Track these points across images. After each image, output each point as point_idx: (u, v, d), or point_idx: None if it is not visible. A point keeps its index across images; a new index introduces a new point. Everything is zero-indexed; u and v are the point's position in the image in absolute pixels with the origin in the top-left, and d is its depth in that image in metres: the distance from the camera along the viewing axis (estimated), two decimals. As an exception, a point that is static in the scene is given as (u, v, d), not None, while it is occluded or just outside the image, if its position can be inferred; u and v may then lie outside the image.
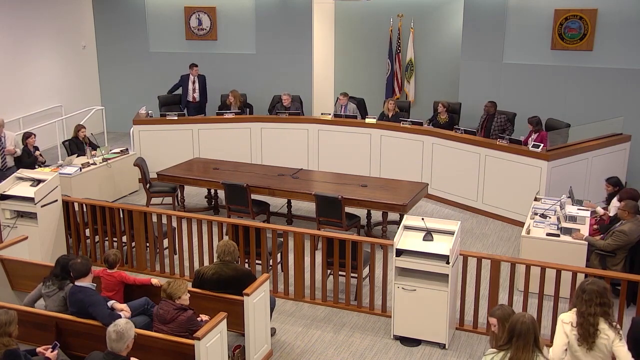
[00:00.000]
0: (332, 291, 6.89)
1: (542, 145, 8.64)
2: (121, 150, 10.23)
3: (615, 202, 7.40)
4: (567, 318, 4.26)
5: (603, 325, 4.13)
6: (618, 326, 4.19)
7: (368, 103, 11.98)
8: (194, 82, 12.08)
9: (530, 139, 9.37)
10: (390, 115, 10.64)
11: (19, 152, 9.21)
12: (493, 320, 4.31)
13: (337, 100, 11.31)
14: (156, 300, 5.46)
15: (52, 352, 4.70)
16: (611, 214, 7.37)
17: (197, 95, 12.09)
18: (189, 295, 5.18)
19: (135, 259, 7.61)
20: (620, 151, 9.24)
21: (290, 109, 11.13)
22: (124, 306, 5.42)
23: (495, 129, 10.07)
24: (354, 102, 11.58)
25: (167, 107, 11.73)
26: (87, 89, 13.79)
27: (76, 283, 5.28)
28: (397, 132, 10.05)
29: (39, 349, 4.77)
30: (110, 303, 5.37)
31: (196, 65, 12.10)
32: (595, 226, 7.30)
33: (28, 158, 9.21)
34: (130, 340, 4.36)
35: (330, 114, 10.81)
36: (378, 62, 12.99)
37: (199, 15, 12.96)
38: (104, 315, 5.05)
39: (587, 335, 4.12)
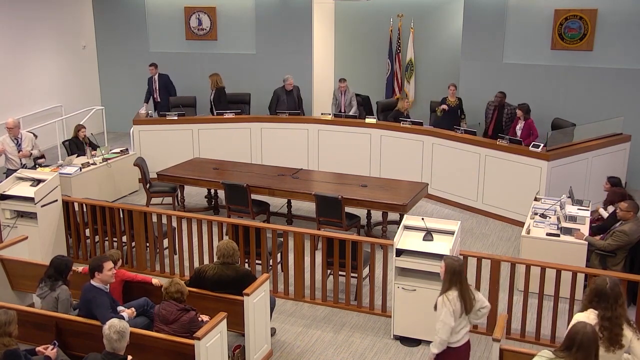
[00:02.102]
0: (332, 291, 6.89)
1: (542, 145, 8.65)
2: (121, 150, 10.23)
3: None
4: (582, 318, 4.15)
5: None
6: (634, 324, 4.15)
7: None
8: (155, 82, 11.96)
9: (517, 127, 9.41)
10: (406, 114, 10.70)
11: (35, 152, 9.07)
12: (442, 265, 4.66)
13: (337, 88, 11.31)
14: (156, 301, 5.46)
15: (52, 350, 4.70)
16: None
17: (157, 95, 11.95)
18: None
19: (135, 259, 7.61)
20: (620, 151, 9.25)
21: (292, 91, 11.14)
22: (130, 311, 5.43)
23: (506, 120, 10.08)
24: (359, 100, 11.60)
25: (178, 109, 11.63)
26: (87, 89, 13.80)
27: (91, 282, 5.32)
28: (397, 132, 10.05)
29: (38, 348, 4.77)
30: (119, 309, 5.38)
31: (154, 65, 11.94)
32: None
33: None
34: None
35: (330, 114, 10.81)
36: (378, 62, 12.99)
37: (199, 15, 12.96)
38: (105, 319, 5.03)
39: (613, 337, 4.04)
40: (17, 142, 8.90)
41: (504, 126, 10.11)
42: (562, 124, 9.88)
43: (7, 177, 8.25)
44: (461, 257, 4.70)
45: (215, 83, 11.70)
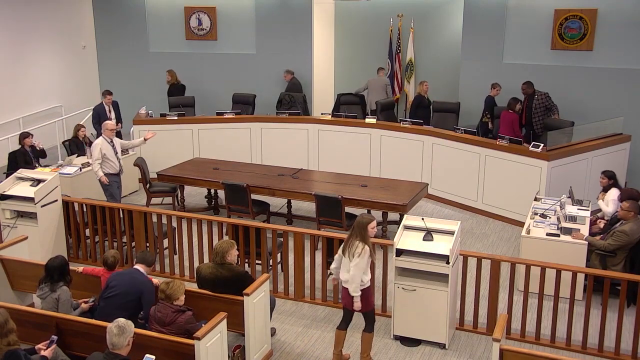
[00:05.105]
0: (332, 291, 6.88)
1: (542, 145, 8.65)
2: (121, 151, 10.20)
3: (611, 195, 7.45)
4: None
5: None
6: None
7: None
8: (110, 111, 10.78)
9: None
10: (427, 98, 10.99)
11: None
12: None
13: (390, 73, 12.17)
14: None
15: (47, 349, 4.66)
16: (609, 209, 7.41)
17: (119, 124, 10.75)
18: (184, 296, 5.18)
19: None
20: (620, 151, 9.24)
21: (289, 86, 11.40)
22: None
23: (537, 107, 10.11)
24: (357, 100, 11.62)
25: (178, 109, 11.63)
26: (87, 89, 13.79)
27: (136, 267, 5.55)
28: (397, 132, 10.05)
29: (38, 346, 4.76)
30: None
31: (110, 93, 10.89)
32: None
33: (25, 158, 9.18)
34: (130, 338, 4.36)
35: (330, 114, 10.81)
36: (378, 62, 12.99)
37: (199, 15, 12.96)
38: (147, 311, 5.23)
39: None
40: (113, 145, 8.42)
41: (533, 112, 10.15)
42: (562, 124, 9.89)
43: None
44: (374, 217, 5.52)
45: (174, 79, 12.00)
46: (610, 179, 7.64)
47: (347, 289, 5.42)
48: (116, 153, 8.40)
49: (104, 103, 10.77)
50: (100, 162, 8.26)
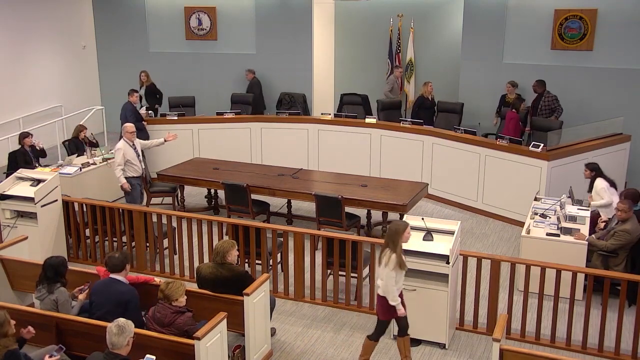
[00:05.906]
0: (332, 291, 6.88)
1: (542, 145, 8.64)
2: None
3: (599, 185, 7.53)
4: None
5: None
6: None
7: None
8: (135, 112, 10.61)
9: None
10: (430, 98, 10.98)
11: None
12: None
13: (391, 73, 12.12)
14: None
15: (50, 357, 4.63)
16: (605, 199, 7.47)
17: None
18: (185, 297, 5.17)
19: (135, 259, 7.59)
20: (620, 151, 9.24)
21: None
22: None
23: (542, 108, 10.17)
24: (359, 100, 11.62)
25: (178, 109, 11.61)
26: (87, 89, 13.80)
27: (113, 276, 5.37)
28: (397, 132, 10.05)
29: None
30: None
31: (136, 91, 10.78)
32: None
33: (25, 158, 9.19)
34: (130, 338, 4.36)
35: (330, 114, 10.81)
36: (378, 62, 12.99)
37: (199, 15, 12.96)
38: (137, 318, 5.08)
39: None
40: (134, 147, 8.36)
41: (538, 112, 10.22)
42: (552, 124, 9.87)
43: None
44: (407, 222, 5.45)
45: (147, 80, 11.86)
46: (592, 171, 7.70)
47: (380, 296, 5.32)
48: (138, 155, 8.37)
49: (131, 101, 10.54)
50: (122, 167, 8.22)
